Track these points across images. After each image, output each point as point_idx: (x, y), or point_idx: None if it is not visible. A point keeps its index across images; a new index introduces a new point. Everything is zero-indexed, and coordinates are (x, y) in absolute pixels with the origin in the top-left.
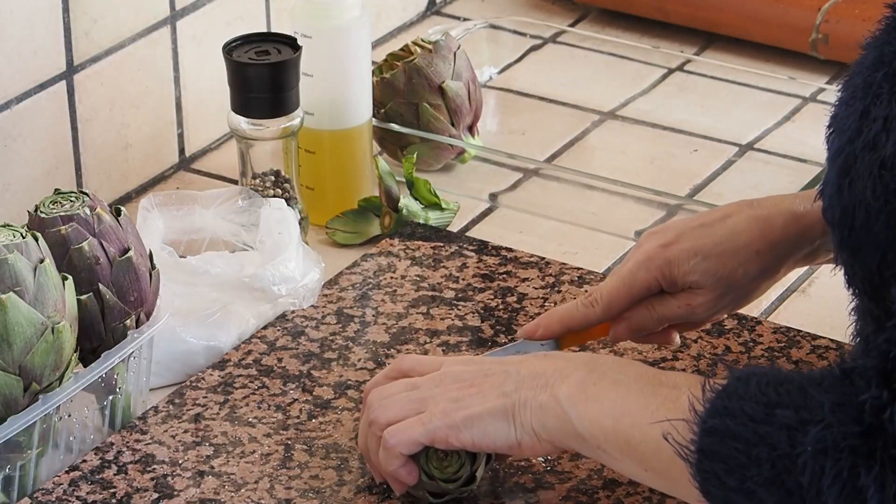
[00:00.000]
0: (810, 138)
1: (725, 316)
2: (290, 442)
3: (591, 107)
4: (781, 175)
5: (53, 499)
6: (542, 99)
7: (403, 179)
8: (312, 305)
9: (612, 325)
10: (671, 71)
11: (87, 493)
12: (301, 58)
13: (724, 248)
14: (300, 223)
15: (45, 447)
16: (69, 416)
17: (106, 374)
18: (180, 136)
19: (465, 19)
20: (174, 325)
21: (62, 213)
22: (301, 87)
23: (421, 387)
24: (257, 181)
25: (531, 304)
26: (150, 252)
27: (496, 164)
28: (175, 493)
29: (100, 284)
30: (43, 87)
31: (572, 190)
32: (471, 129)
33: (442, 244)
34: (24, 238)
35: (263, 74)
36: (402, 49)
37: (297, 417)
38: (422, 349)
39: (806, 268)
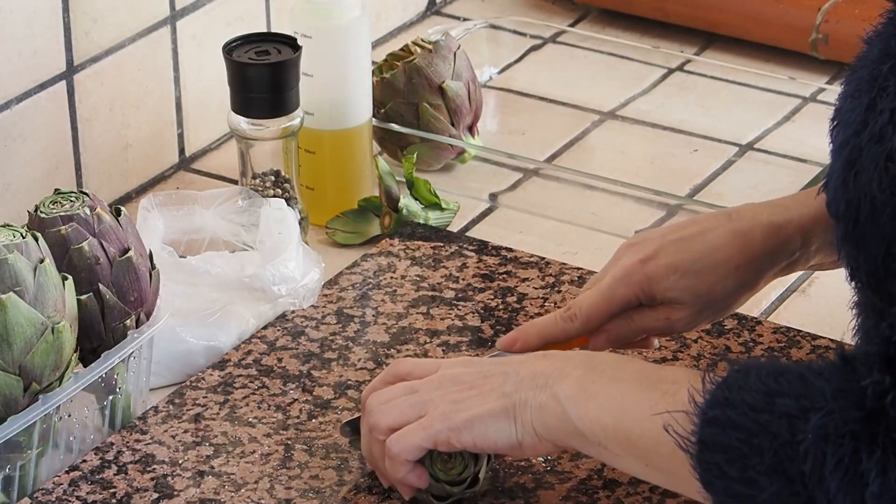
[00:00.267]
0: (810, 138)
1: (707, 325)
2: (290, 442)
3: (591, 107)
4: (781, 175)
5: (53, 499)
6: (542, 99)
7: (403, 179)
8: (312, 305)
9: (591, 336)
10: (671, 71)
11: (87, 493)
12: (301, 58)
13: (704, 264)
14: (300, 223)
15: (45, 447)
16: (69, 416)
17: (106, 374)
18: (180, 136)
19: (465, 19)
20: (174, 325)
21: (62, 213)
22: (301, 87)
23: (420, 390)
24: (257, 181)
25: (531, 304)
26: (150, 252)
27: (496, 164)
28: (175, 493)
29: (100, 284)
30: (43, 87)
31: (572, 190)
32: (471, 129)
33: (442, 244)
34: (24, 238)
35: (263, 74)
36: (402, 49)
37: (297, 417)
38: (422, 349)
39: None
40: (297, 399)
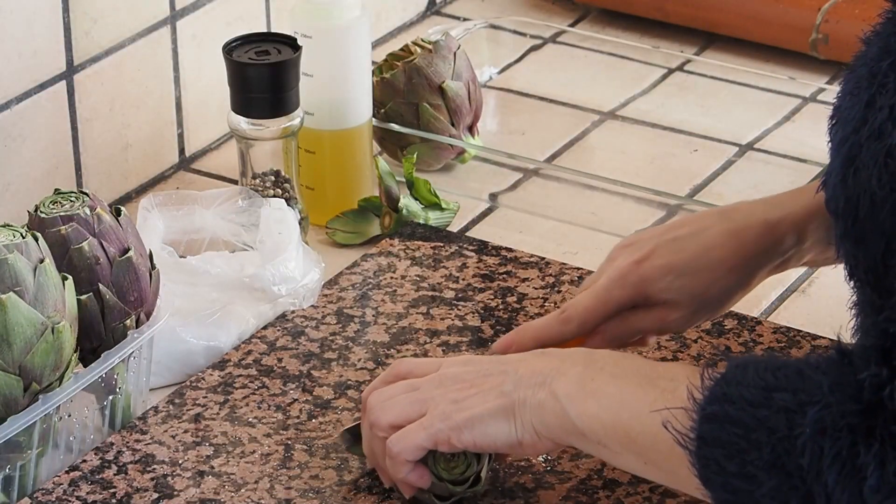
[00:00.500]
0: (810, 138)
1: (701, 324)
2: (290, 442)
3: (591, 107)
4: (781, 175)
5: (53, 499)
6: (542, 99)
7: (403, 179)
8: (312, 305)
9: (587, 338)
10: (671, 71)
11: (87, 493)
12: (301, 58)
13: (698, 264)
14: (300, 223)
15: (45, 447)
16: (69, 416)
17: (106, 374)
18: (180, 136)
19: (465, 19)
20: (174, 325)
21: (62, 213)
22: (301, 87)
23: (421, 388)
24: (257, 181)
25: (531, 304)
26: (150, 252)
27: (496, 164)
28: (175, 493)
29: (100, 284)
30: (43, 87)
31: (572, 190)
32: (471, 129)
33: (442, 244)
34: (24, 238)
35: (263, 74)
36: (402, 49)
37: (297, 417)
38: (422, 349)
39: (806, 267)
40: (297, 399)
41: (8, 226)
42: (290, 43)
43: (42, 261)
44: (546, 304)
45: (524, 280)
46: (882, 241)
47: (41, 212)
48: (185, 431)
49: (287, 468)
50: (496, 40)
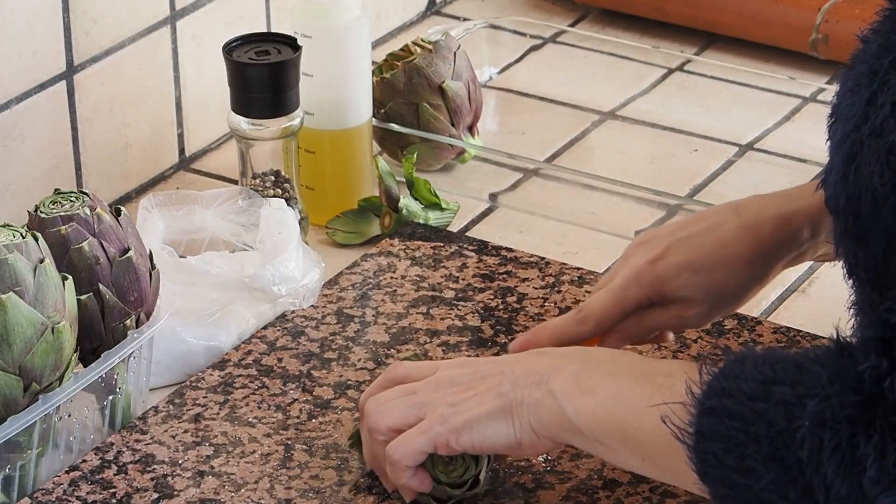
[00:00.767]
0: (810, 138)
1: (719, 319)
2: (290, 442)
3: (591, 107)
4: (781, 175)
5: (53, 499)
6: (542, 99)
7: (403, 179)
8: (312, 305)
9: (604, 337)
10: (671, 71)
11: (87, 493)
12: (301, 58)
13: (714, 260)
14: (300, 223)
15: (45, 447)
16: (69, 416)
17: (106, 374)
18: (180, 136)
19: (465, 19)
20: (174, 325)
21: (62, 213)
22: (301, 87)
23: (418, 391)
24: (257, 181)
25: (531, 304)
26: (150, 252)
27: (496, 164)
28: (175, 493)
29: (100, 284)
30: (43, 87)
31: (572, 190)
32: (471, 129)
33: (442, 244)
34: (24, 238)
35: (263, 74)
36: (402, 49)
37: (297, 417)
38: (422, 349)
39: (806, 267)
40: (297, 399)
41: (8, 226)
42: (290, 43)
43: (42, 261)
44: (546, 303)
45: (524, 280)
46: (883, 239)
47: (41, 212)
48: (185, 431)
49: (287, 468)
50: (496, 40)
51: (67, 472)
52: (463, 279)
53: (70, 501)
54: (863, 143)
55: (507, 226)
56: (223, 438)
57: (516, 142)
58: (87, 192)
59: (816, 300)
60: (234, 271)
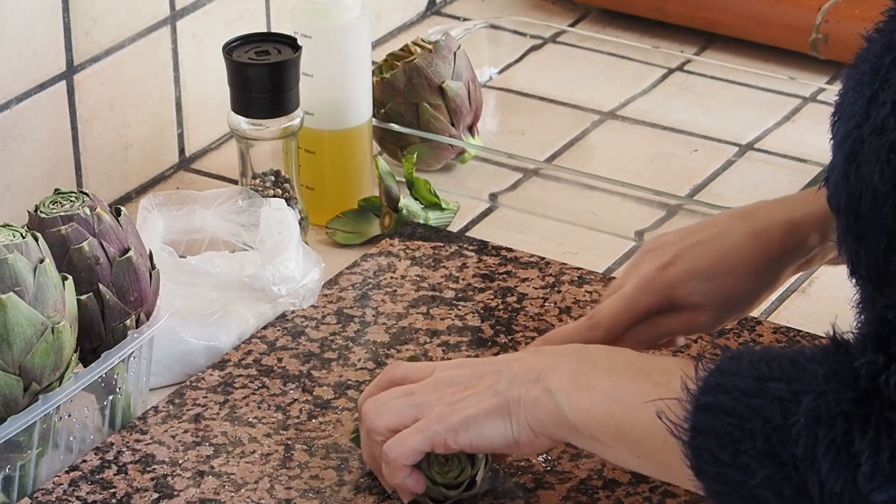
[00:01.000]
0: (810, 138)
1: (730, 325)
2: (290, 442)
3: (591, 107)
4: (781, 175)
5: (53, 499)
6: (542, 99)
7: (403, 179)
8: (312, 305)
9: (615, 343)
10: (671, 71)
11: (87, 493)
12: (301, 58)
13: (723, 267)
14: (300, 223)
15: (45, 447)
16: (69, 416)
17: (106, 374)
18: (180, 136)
19: (465, 19)
20: (174, 325)
21: (62, 213)
22: (301, 87)
23: (416, 392)
24: (257, 181)
25: (531, 304)
26: (150, 252)
27: (496, 164)
28: (175, 493)
29: (100, 284)
30: (43, 87)
31: (572, 190)
32: (471, 129)
33: (442, 244)
34: (24, 238)
35: (263, 74)
36: (402, 49)
37: (297, 417)
38: (422, 349)
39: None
40: (297, 399)
41: (8, 226)
42: (290, 43)
43: (42, 261)
44: (546, 303)
45: (524, 280)
46: (883, 238)
47: (41, 212)
48: (185, 431)
49: (287, 468)
50: (496, 40)
51: (67, 472)
52: (463, 279)
53: (70, 501)
54: (864, 141)
55: (507, 226)
56: (223, 438)
57: (516, 142)
58: (87, 192)
59: (816, 300)
60: (234, 271)
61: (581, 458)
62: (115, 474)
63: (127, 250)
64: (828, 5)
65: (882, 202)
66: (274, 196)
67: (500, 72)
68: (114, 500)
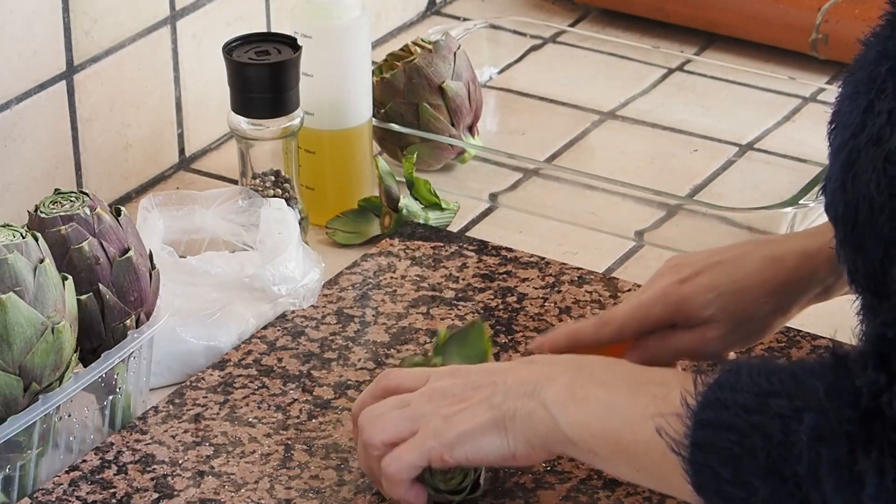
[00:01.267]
0: (810, 138)
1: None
2: (290, 442)
3: (591, 107)
4: (781, 175)
5: (53, 499)
6: (542, 99)
7: (403, 179)
8: (312, 305)
9: (626, 353)
10: (671, 71)
11: (87, 493)
12: (301, 58)
13: (739, 286)
14: (300, 223)
15: (45, 447)
16: (69, 416)
17: (106, 374)
18: (180, 136)
19: (465, 19)
20: (174, 325)
21: (62, 213)
22: (301, 87)
23: (412, 403)
24: (257, 181)
25: (531, 304)
26: (150, 252)
27: (496, 164)
28: (175, 493)
29: (100, 284)
30: (43, 87)
31: (572, 190)
32: (471, 129)
33: (442, 244)
34: (24, 238)
35: (263, 74)
36: (402, 49)
37: (297, 417)
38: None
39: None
40: (297, 399)
41: (8, 226)
42: (290, 43)
43: (42, 261)
44: (546, 303)
45: (524, 280)
46: (880, 248)
47: (41, 212)
48: (185, 431)
49: (287, 468)
50: (496, 40)
51: (67, 472)
52: (463, 279)
53: (70, 501)
54: (860, 151)
55: (507, 226)
56: (223, 438)
57: (516, 142)
58: (87, 192)
59: None
60: (234, 271)
61: None
62: (115, 474)
63: (127, 250)
64: (828, 5)
65: (878, 212)
66: (274, 196)
67: (500, 72)
68: (114, 500)
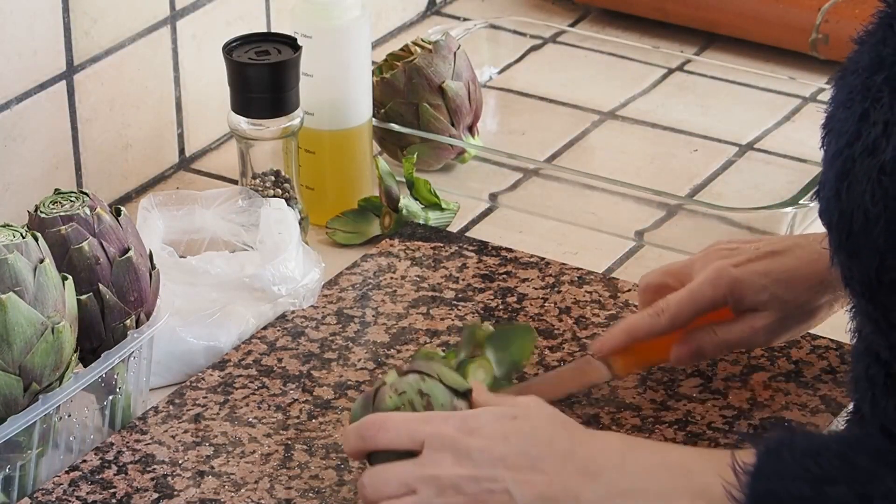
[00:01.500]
0: (810, 138)
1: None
2: (290, 442)
3: (591, 107)
4: (781, 175)
5: (53, 499)
6: (542, 99)
7: (403, 179)
8: (312, 306)
9: (675, 346)
10: (671, 71)
11: (87, 493)
12: (301, 58)
13: (792, 274)
14: (300, 223)
15: (45, 447)
16: (69, 416)
17: (106, 374)
18: (180, 136)
19: (465, 19)
20: (174, 325)
21: (62, 213)
22: (301, 87)
23: (420, 491)
24: (257, 181)
25: (531, 305)
26: (150, 252)
27: (496, 164)
28: (175, 493)
29: (100, 284)
30: (43, 87)
31: (572, 190)
32: (471, 129)
33: (442, 244)
34: (24, 238)
35: (263, 74)
36: (402, 49)
37: (297, 417)
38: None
39: None
40: (297, 399)
41: (8, 226)
42: (290, 43)
43: (42, 261)
44: (546, 304)
45: (524, 280)
46: (876, 257)
47: (41, 212)
48: (185, 431)
49: (287, 468)
50: (496, 40)
51: (67, 472)
52: (463, 279)
53: (70, 501)
54: (855, 160)
55: (507, 226)
56: (223, 438)
57: (516, 142)
58: (87, 192)
59: None
60: (234, 271)
61: None
62: (115, 474)
63: (127, 250)
64: (828, 5)
65: (874, 223)
66: (274, 196)
67: (500, 72)
68: (114, 500)
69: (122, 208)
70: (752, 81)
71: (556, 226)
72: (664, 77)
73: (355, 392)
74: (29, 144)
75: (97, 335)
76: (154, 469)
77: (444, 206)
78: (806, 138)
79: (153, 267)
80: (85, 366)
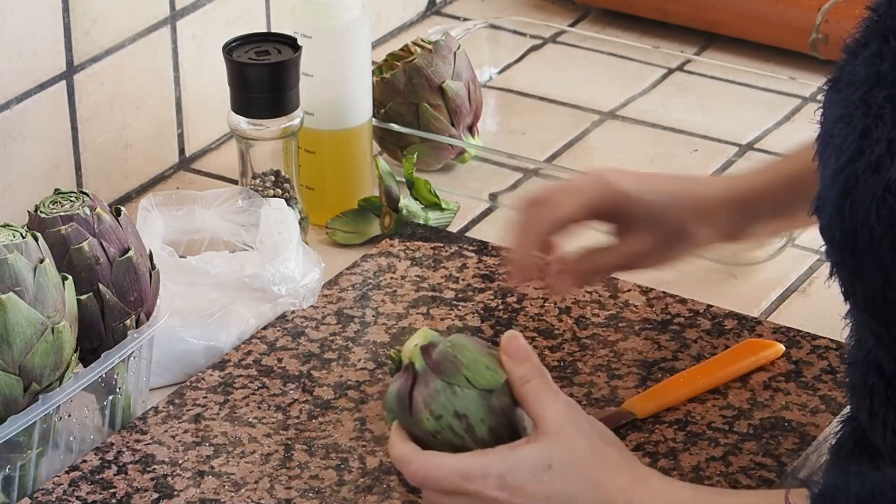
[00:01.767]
0: (810, 138)
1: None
2: (290, 442)
3: (591, 107)
4: None
5: (53, 499)
6: (542, 99)
7: (403, 179)
8: (312, 306)
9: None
10: (671, 71)
11: (87, 493)
12: (301, 58)
13: (678, 189)
14: (300, 223)
15: (45, 447)
16: (69, 416)
17: (106, 374)
18: (180, 136)
19: (465, 19)
20: (174, 325)
21: (62, 213)
22: (301, 87)
23: None
24: (257, 181)
25: (531, 304)
26: (150, 252)
27: (496, 164)
28: (175, 493)
29: (100, 284)
30: (43, 87)
31: None
32: (471, 129)
33: (442, 244)
34: (24, 238)
35: (263, 74)
36: (402, 49)
37: (297, 417)
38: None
39: (806, 267)
40: (297, 399)
41: (8, 226)
42: (290, 43)
43: (42, 261)
44: (546, 303)
45: None
46: (881, 275)
47: (41, 212)
48: (185, 431)
49: (287, 468)
50: (496, 40)
51: (67, 472)
52: (463, 279)
53: (70, 501)
54: (858, 178)
55: (507, 226)
56: (223, 438)
57: (516, 142)
58: (87, 192)
59: (816, 300)
60: (234, 271)
61: None
62: (115, 474)
63: (127, 250)
64: (828, 5)
65: (879, 241)
66: (274, 196)
67: (500, 72)
68: (114, 500)
69: (122, 208)
70: (752, 81)
71: None
72: (664, 77)
73: (355, 392)
74: (29, 144)
75: (97, 335)
76: (154, 469)
77: (444, 206)
78: (806, 138)
79: (153, 267)
80: (85, 366)
